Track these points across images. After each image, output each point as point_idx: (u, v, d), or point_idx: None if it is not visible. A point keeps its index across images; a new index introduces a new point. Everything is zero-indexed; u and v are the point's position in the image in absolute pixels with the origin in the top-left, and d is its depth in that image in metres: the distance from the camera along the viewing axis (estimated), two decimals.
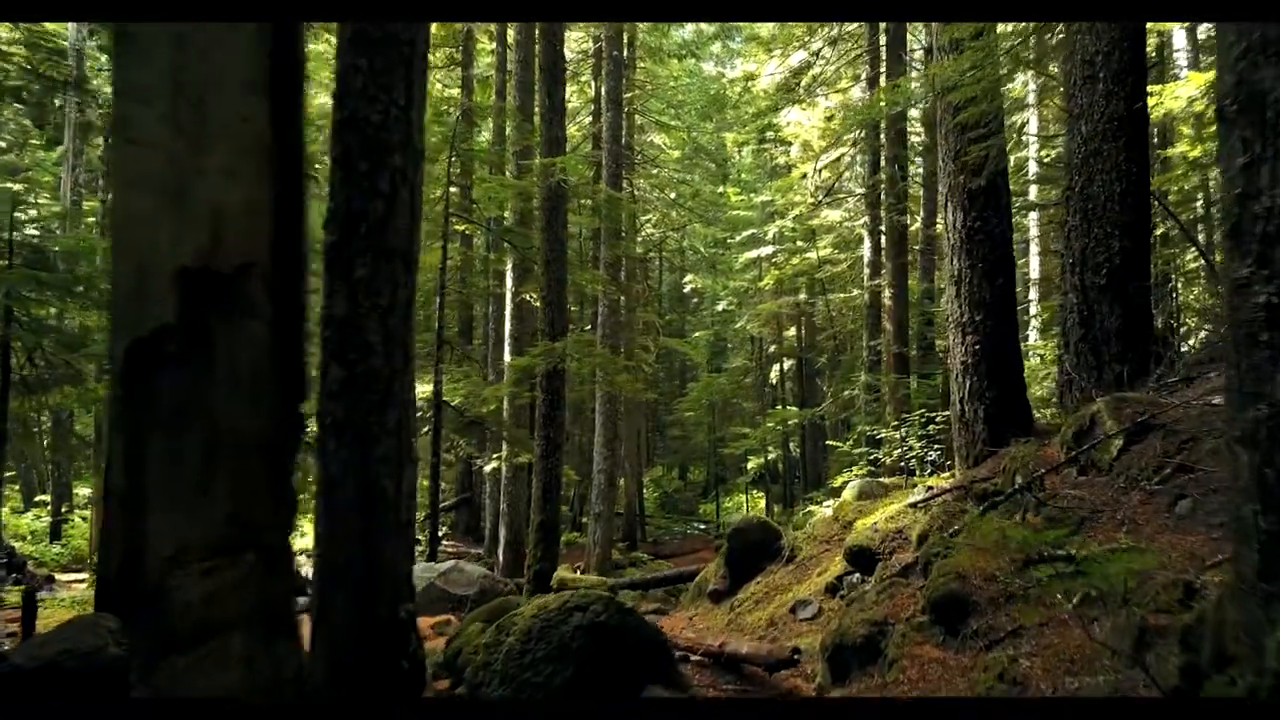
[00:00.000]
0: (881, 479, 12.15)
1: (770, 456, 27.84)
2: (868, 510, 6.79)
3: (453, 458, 14.91)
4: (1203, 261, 13.38)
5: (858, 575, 5.33)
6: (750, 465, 29.91)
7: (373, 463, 3.38)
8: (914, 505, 5.60)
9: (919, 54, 16.40)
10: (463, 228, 14.45)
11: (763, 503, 28.79)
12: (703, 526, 29.53)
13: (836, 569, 5.69)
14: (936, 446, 11.96)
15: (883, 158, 16.28)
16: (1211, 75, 10.62)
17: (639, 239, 26.29)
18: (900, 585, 4.23)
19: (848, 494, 11.90)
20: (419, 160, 3.54)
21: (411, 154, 3.48)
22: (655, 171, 24.16)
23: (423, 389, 13.31)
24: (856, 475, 9.66)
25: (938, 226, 20.12)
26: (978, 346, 5.72)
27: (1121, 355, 7.23)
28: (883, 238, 16.36)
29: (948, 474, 11.56)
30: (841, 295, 23.97)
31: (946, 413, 12.14)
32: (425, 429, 12.72)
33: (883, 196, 15.91)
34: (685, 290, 36.69)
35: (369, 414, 3.38)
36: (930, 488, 5.79)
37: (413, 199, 3.50)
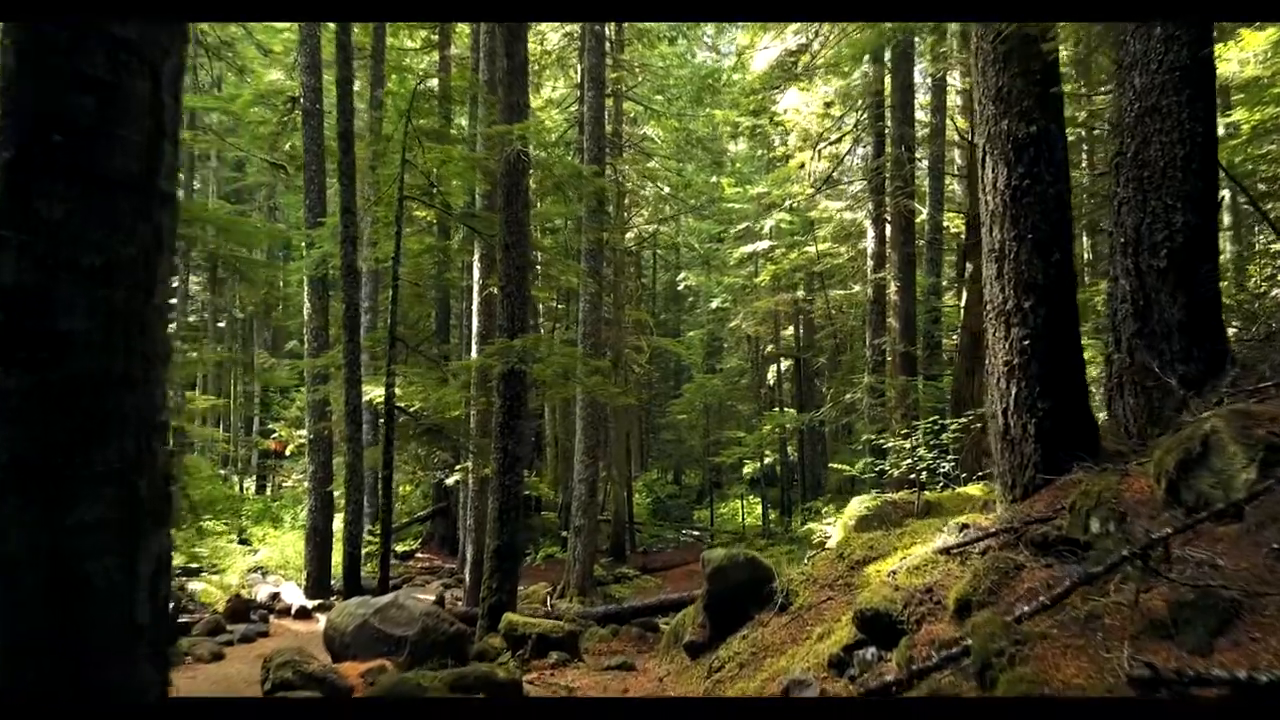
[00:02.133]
0: (890, 495, 10.79)
1: (767, 460, 26.49)
2: (880, 549, 5.42)
3: (412, 468, 13.55)
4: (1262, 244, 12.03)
5: (872, 649, 3.96)
6: (746, 469, 28.55)
7: (73, 532, 2.01)
8: (946, 551, 4.23)
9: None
10: (425, 214, 13.09)
11: (759, 509, 27.46)
12: (697, 533, 28.26)
13: (844, 634, 4.32)
14: (950, 458, 10.64)
15: (888, 139, 14.91)
16: (1271, 33, 9.28)
17: (630, 234, 24.94)
18: (945, 695, 2.86)
19: (851, 513, 10.54)
20: (171, 35, 2.17)
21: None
22: (651, 165, 22.82)
23: (376, 392, 11.98)
24: (867, 506, 8.31)
25: (944, 216, 18.77)
26: (1027, 342, 4.37)
27: (1186, 353, 5.92)
28: (887, 227, 15.01)
29: (979, 486, 10.19)
30: (841, 292, 22.64)
31: (962, 420, 10.80)
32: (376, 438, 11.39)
33: (887, 181, 14.55)
34: (680, 288, 35.46)
35: (69, 452, 2.01)
36: (965, 526, 4.43)
37: (156, 95, 2.13)
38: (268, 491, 27.63)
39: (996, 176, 4.53)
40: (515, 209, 8.99)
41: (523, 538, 21.30)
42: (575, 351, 9.28)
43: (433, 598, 13.31)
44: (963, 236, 19.24)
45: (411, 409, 12.24)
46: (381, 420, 12.58)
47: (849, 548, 5.76)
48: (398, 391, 11.97)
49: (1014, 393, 4.40)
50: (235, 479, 28.80)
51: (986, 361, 4.65)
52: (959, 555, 4.19)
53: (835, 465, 14.32)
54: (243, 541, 18.66)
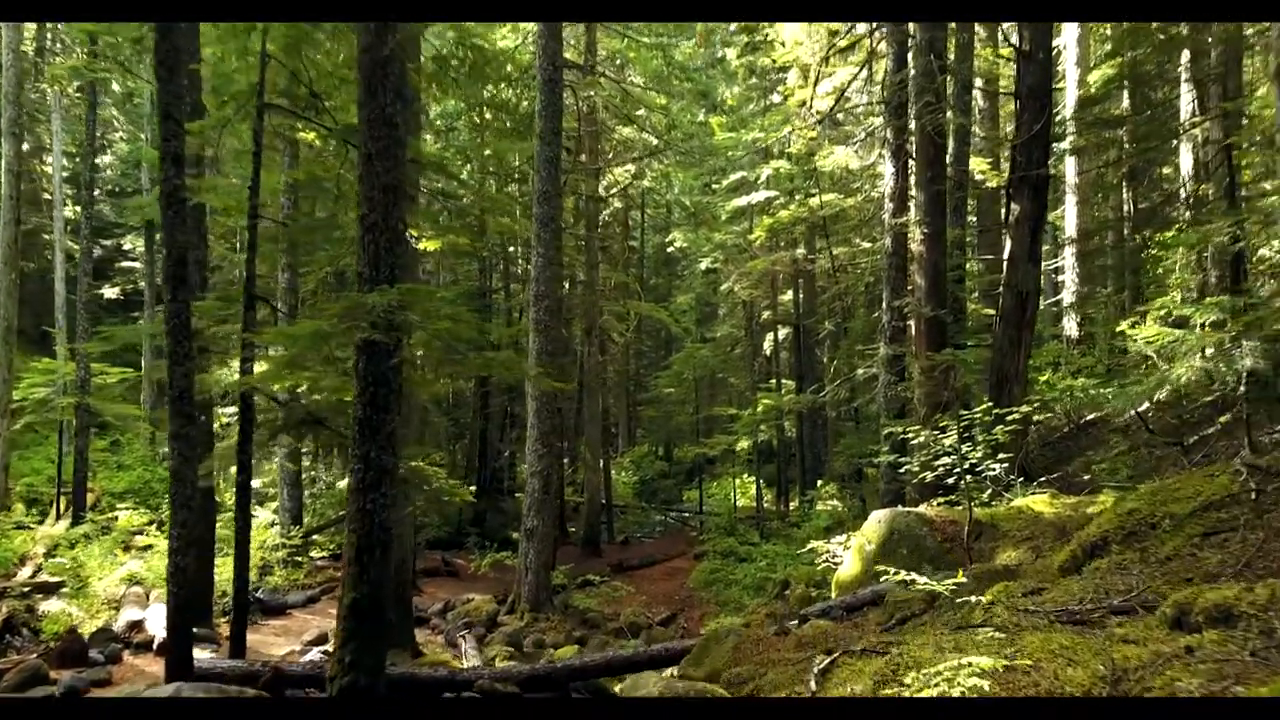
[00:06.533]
0: (921, 510, 7.98)
1: (762, 437, 23.67)
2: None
3: (287, 463, 10.66)
4: None
5: None
6: (740, 446, 25.77)
7: None
8: None
9: None
10: (312, 135, 10.09)
11: (754, 489, 24.66)
12: (686, 515, 25.61)
13: None
14: (1000, 457, 7.82)
15: (912, 49, 11.83)
16: None
17: (614, 189, 21.91)
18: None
19: (869, 534, 7.70)
20: None
21: None
22: (639, 114, 19.69)
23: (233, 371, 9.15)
24: (891, 526, 5.42)
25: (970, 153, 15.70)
26: None
27: None
28: (910, 161, 12.02)
29: (1043, 498, 7.31)
30: (847, 248, 19.65)
31: (1023, 409, 7.96)
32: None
33: (911, 101, 11.50)
34: (670, 251, 32.62)
35: None
36: None
37: None
38: None
39: None
40: (381, 101, 6.04)
41: (476, 541, 18.37)
42: (464, 313, 6.35)
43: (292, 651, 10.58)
44: (987, 184, 16.31)
45: (299, 392, 9.38)
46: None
47: (901, 673, 2.90)
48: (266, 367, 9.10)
49: None
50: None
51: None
52: None
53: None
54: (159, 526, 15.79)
